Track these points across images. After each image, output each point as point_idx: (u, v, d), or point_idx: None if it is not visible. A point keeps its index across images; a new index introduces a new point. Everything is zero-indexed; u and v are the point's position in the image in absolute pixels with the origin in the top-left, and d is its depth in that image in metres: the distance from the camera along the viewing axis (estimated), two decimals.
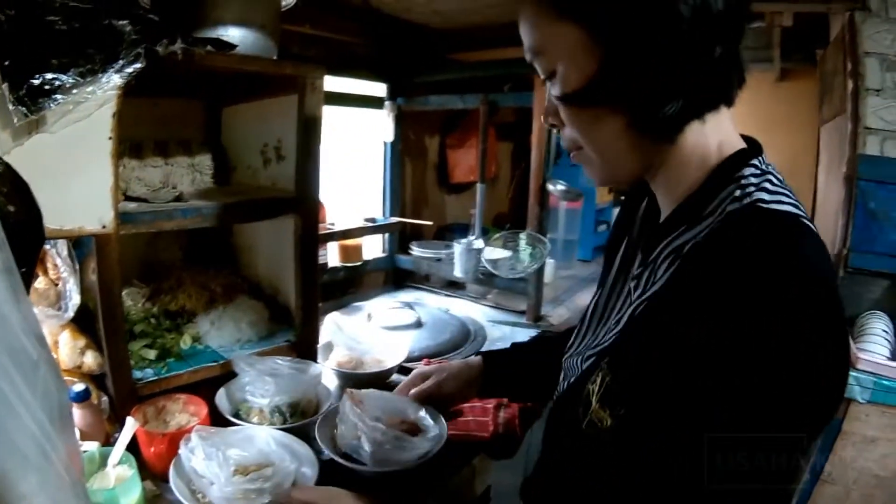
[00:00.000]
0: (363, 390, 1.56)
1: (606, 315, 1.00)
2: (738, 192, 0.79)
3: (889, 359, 2.37)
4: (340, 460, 1.37)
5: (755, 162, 0.82)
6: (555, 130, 0.95)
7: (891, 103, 2.64)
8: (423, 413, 1.51)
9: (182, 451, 1.23)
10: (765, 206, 0.76)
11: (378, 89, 2.94)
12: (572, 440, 0.92)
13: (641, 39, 0.75)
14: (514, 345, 1.59)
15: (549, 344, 1.44)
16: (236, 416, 1.51)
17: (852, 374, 2.34)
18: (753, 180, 0.79)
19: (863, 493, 2.47)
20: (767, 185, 0.79)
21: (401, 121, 2.97)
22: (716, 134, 0.84)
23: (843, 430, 2.41)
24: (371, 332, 2.26)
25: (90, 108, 1.17)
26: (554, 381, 1.13)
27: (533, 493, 1.14)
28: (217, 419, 1.46)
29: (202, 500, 1.20)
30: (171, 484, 1.21)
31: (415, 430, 1.46)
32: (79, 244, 1.35)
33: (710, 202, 0.81)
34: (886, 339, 2.45)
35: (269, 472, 1.21)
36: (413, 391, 1.51)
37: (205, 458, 1.19)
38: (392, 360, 1.98)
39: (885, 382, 2.32)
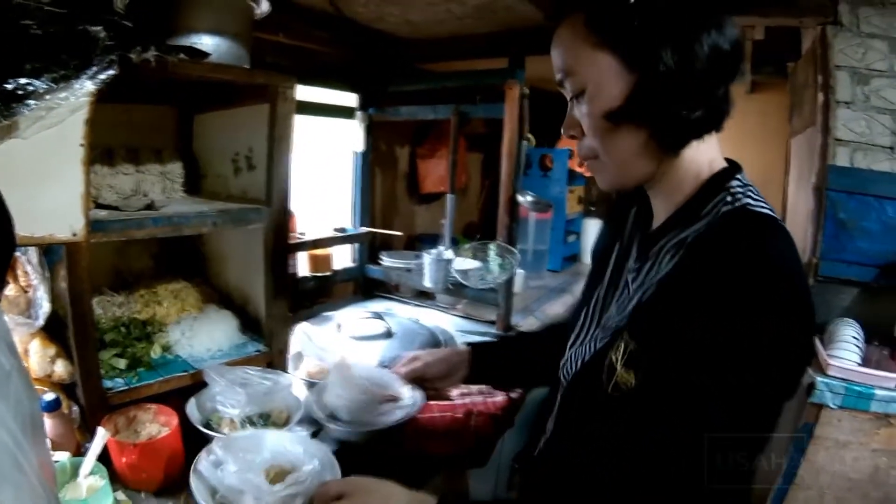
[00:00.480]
0: (354, 362, 1.75)
1: (608, 306, 1.18)
2: (729, 198, 0.99)
3: (860, 365, 2.43)
4: (324, 419, 1.57)
5: (738, 177, 1.03)
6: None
7: (861, 115, 2.71)
8: (406, 388, 1.67)
9: (203, 463, 1.24)
10: (752, 208, 0.96)
11: (349, 99, 2.94)
12: (595, 407, 1.08)
13: (670, 71, 0.91)
14: (500, 338, 1.68)
15: (533, 338, 1.70)
16: (207, 426, 1.50)
17: (823, 380, 2.41)
18: (740, 190, 1.00)
19: (836, 497, 2.52)
20: (751, 194, 0.99)
21: (371, 131, 2.97)
22: (707, 153, 1.04)
23: (815, 435, 2.46)
24: (341, 343, 2.26)
25: (63, 115, 1.15)
26: (537, 372, 1.45)
27: (540, 470, 1.28)
28: (188, 429, 1.45)
29: None
30: (198, 498, 1.19)
31: (397, 399, 1.65)
32: (49, 251, 1.33)
33: (705, 206, 1.00)
34: (857, 346, 2.50)
35: (302, 475, 1.24)
36: (402, 369, 1.63)
37: (238, 470, 1.19)
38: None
39: (856, 388, 2.37)
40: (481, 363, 1.61)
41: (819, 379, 2.41)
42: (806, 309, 0.89)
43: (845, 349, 2.47)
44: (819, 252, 2.80)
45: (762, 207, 0.97)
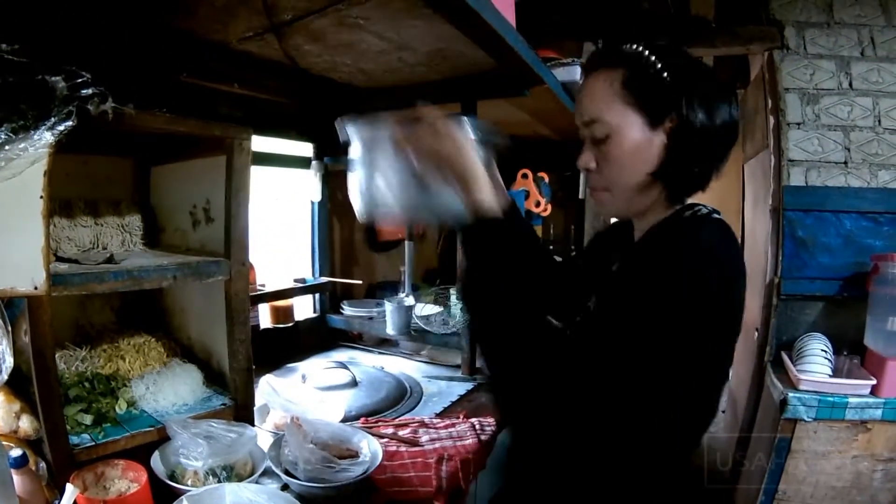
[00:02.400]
0: (311, 419, 1.78)
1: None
2: (700, 212, 1.18)
3: (831, 376, 2.48)
4: (283, 475, 1.57)
5: (702, 204, 1.21)
6: None
7: (812, 134, 2.81)
8: (364, 443, 1.74)
9: None
10: (702, 213, 1.18)
11: (305, 149, 2.96)
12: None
13: (700, 138, 1.12)
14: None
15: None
16: (172, 478, 1.50)
17: (795, 395, 2.49)
18: (705, 209, 1.19)
19: None
20: (711, 209, 1.20)
21: (328, 180, 2.98)
22: None
23: (792, 449, 2.51)
24: (306, 394, 2.23)
25: (22, 166, 1.14)
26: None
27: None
28: (157, 484, 1.43)
29: None
30: None
31: (355, 456, 1.68)
32: (10, 305, 1.30)
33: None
34: (826, 358, 2.57)
35: None
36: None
37: None
38: (329, 420, 1.95)
39: (829, 399, 2.45)
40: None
41: (791, 394, 2.47)
42: (732, 272, 1.08)
43: (815, 362, 2.54)
44: (780, 271, 2.87)
45: (715, 215, 1.18)
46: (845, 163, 2.85)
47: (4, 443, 1.27)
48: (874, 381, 2.49)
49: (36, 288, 1.22)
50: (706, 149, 1.14)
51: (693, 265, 1.03)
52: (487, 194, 1.10)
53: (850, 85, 2.86)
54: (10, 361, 1.25)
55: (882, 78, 2.85)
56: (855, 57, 2.87)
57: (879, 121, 2.85)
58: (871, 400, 2.47)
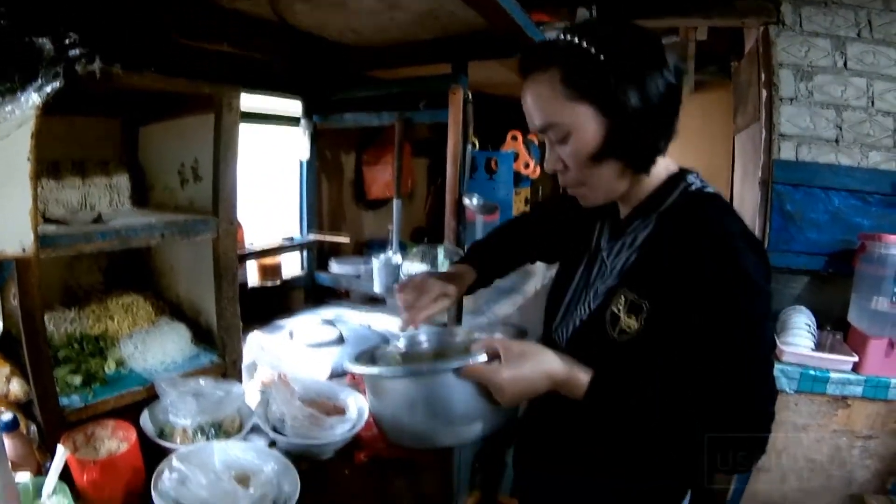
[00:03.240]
0: (298, 376, 1.83)
1: (592, 280, 1.33)
2: (691, 187, 1.22)
3: (813, 350, 2.53)
4: (270, 432, 1.61)
5: (693, 174, 1.25)
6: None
7: (805, 110, 2.81)
8: (351, 399, 1.79)
9: (166, 481, 1.26)
10: (707, 191, 1.22)
11: (294, 107, 2.93)
12: (601, 352, 1.21)
13: (636, 112, 1.10)
14: (490, 237, 1.80)
15: (518, 224, 1.82)
16: (161, 436, 1.52)
17: (778, 366, 2.54)
18: (698, 183, 1.23)
19: (799, 477, 2.63)
20: (704, 183, 1.24)
21: (317, 138, 2.96)
22: (662, 162, 1.23)
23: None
24: (294, 351, 2.25)
25: (9, 128, 1.13)
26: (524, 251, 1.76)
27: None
28: (146, 443, 1.45)
29: None
30: None
31: (342, 413, 1.72)
32: None
33: (666, 199, 1.22)
34: (810, 332, 2.62)
35: (265, 476, 1.34)
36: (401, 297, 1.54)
37: (207, 483, 1.24)
38: (316, 377, 1.98)
39: (810, 372, 2.51)
40: (486, 270, 1.68)
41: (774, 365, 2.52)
42: (761, 253, 1.13)
43: (798, 335, 2.59)
44: (767, 244, 2.90)
45: (714, 190, 1.22)
46: (836, 141, 2.87)
47: None
48: (856, 358, 2.54)
49: (24, 250, 1.22)
50: (654, 119, 1.13)
51: (744, 264, 1.09)
52: (577, 378, 1.16)
53: (845, 65, 2.86)
54: None
55: (877, 60, 2.85)
56: (851, 37, 2.87)
57: (872, 102, 2.86)
58: (852, 377, 2.53)
